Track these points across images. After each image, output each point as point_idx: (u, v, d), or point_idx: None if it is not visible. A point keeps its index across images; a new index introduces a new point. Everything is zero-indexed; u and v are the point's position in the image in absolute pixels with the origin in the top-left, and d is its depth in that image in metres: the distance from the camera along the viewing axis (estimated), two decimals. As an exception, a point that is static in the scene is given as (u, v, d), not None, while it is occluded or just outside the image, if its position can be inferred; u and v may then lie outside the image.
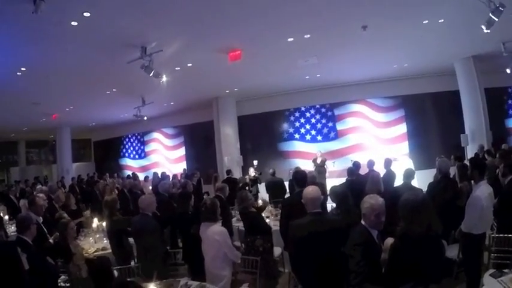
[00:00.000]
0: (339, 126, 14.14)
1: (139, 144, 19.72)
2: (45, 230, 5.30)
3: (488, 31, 6.56)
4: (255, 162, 12.18)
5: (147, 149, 19.36)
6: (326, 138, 14.23)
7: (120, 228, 5.16)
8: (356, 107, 14.00)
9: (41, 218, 5.56)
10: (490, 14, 6.12)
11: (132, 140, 20.03)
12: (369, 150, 13.28)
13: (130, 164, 19.94)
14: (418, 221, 2.68)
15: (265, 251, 5.00)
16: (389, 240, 2.89)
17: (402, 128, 13.53)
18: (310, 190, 3.67)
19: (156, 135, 18.97)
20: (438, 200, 5.08)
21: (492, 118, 11.39)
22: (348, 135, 14.01)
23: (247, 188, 9.46)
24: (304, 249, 3.53)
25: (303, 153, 14.30)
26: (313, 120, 14.43)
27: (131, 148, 20.08)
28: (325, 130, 14.26)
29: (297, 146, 14.54)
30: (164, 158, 18.65)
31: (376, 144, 13.60)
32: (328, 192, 5.03)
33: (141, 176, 14.53)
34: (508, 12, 6.12)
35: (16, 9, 5.42)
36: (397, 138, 13.53)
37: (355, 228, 3.09)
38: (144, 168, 18.97)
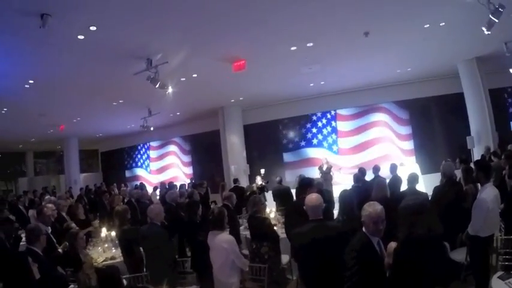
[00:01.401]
0: (346, 135, 14.18)
1: (145, 155, 19.83)
2: (54, 239, 5.36)
3: (489, 32, 6.58)
4: (262, 171, 12.15)
5: (157, 160, 19.44)
6: (332, 143, 14.26)
7: (131, 238, 5.18)
8: (365, 115, 14.05)
9: (49, 227, 5.63)
10: (490, 16, 6.13)
11: (138, 151, 20.15)
12: (379, 160, 13.25)
13: (140, 174, 20.05)
14: (419, 223, 2.72)
15: (271, 258, 5.00)
16: (393, 245, 2.92)
17: (410, 136, 13.58)
18: (312, 198, 3.68)
19: (167, 146, 19.08)
20: (443, 204, 5.08)
21: (497, 119, 11.37)
22: (358, 145, 14.05)
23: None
24: (306, 256, 3.56)
25: (310, 160, 14.31)
26: (318, 128, 14.46)
27: (137, 158, 20.20)
28: (330, 138, 14.29)
29: (303, 153, 14.56)
30: (175, 169, 18.73)
31: (387, 152, 13.58)
32: (337, 198, 5.04)
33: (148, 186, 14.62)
34: (508, 13, 6.15)
35: (24, 24, 5.56)
36: (407, 149, 13.55)
37: (357, 234, 3.13)
38: (155, 179, 19.11)
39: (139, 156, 20.10)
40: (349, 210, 4.42)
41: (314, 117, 14.55)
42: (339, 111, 14.26)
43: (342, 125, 14.23)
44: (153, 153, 19.49)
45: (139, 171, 20.03)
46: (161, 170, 19.13)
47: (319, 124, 14.48)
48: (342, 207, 4.56)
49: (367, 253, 2.96)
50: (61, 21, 5.56)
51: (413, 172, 6.09)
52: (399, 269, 2.77)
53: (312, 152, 14.44)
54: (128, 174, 20.38)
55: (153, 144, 19.36)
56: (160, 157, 19.16)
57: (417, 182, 5.79)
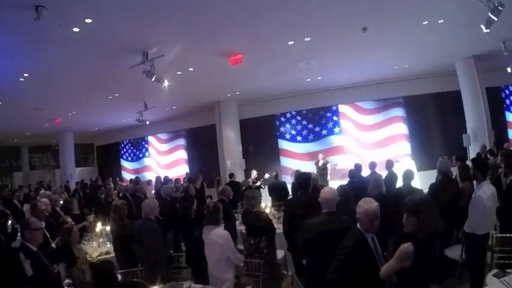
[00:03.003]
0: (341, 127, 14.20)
1: (139, 148, 19.82)
2: (48, 234, 5.31)
3: (488, 31, 6.57)
4: (254, 173, 11.72)
5: (153, 153, 19.39)
6: (327, 138, 14.26)
7: (130, 233, 5.13)
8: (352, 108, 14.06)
9: (43, 222, 5.58)
10: (489, 14, 6.12)
11: (133, 144, 20.12)
12: (370, 151, 13.32)
13: (127, 166, 20.12)
14: (432, 221, 2.71)
15: (269, 253, 5.00)
16: (406, 246, 2.77)
17: (404, 130, 13.57)
18: (327, 190, 3.82)
19: (156, 139, 19.09)
20: (439, 201, 5.07)
21: (494, 117, 11.39)
22: (350, 136, 14.06)
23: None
24: (316, 248, 3.56)
25: (305, 155, 14.33)
26: (315, 122, 14.47)
27: (133, 151, 20.17)
28: (325, 131, 14.30)
29: (299, 148, 14.56)
30: (165, 161, 18.72)
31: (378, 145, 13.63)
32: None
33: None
34: (507, 11, 6.12)
35: (19, 16, 5.47)
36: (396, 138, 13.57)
37: (350, 231, 3.12)
38: (137, 171, 19.21)
39: (135, 150, 20.05)
40: (346, 206, 4.41)
41: (309, 115, 14.57)
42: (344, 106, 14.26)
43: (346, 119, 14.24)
44: (152, 147, 19.40)
45: (134, 165, 20.01)
46: (165, 165, 19.11)
47: (316, 118, 14.49)
48: (338, 202, 4.55)
49: (361, 250, 2.96)
50: (56, 14, 5.47)
51: (409, 169, 6.09)
52: (419, 268, 2.71)
53: (307, 146, 14.47)
54: (123, 167, 20.36)
55: (153, 137, 19.21)
56: (167, 152, 18.95)
57: (412, 178, 5.77)
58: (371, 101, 13.91)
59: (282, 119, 14.90)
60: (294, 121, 14.72)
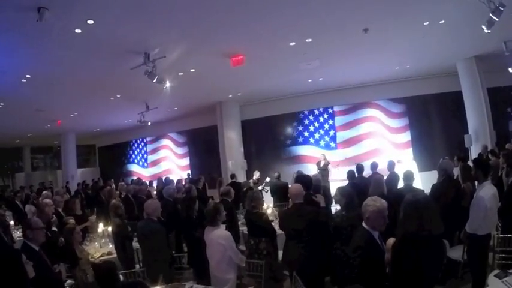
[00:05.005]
0: (341, 129, 14.18)
1: (143, 150, 19.78)
2: (50, 235, 5.32)
3: (489, 31, 6.56)
4: (257, 175, 11.71)
5: (150, 154, 19.42)
6: (329, 141, 14.24)
7: (122, 233, 5.16)
8: (359, 110, 14.05)
9: (54, 217, 5.66)
10: (490, 14, 6.12)
11: (136, 145, 20.11)
12: (372, 153, 13.29)
13: (135, 170, 20.02)
14: (409, 221, 2.71)
15: (269, 254, 5.00)
16: (391, 241, 2.91)
17: (407, 135, 13.56)
18: (295, 186, 4.64)
19: (160, 140, 19.08)
20: (441, 201, 5.07)
21: (496, 118, 11.39)
22: (351, 138, 14.05)
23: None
24: (289, 230, 4.41)
25: (307, 156, 14.31)
26: (316, 124, 14.45)
27: (135, 153, 20.16)
28: (327, 136, 14.29)
29: (301, 149, 14.54)
30: (168, 162, 18.74)
31: (380, 146, 13.60)
32: (333, 195, 5.07)
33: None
34: (508, 12, 6.12)
35: (20, 18, 5.49)
36: (403, 144, 13.53)
37: (357, 230, 3.11)
38: (149, 173, 19.13)
39: (138, 151, 20.05)
40: (350, 206, 4.41)
41: (311, 117, 14.54)
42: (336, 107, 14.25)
43: (339, 120, 14.25)
44: (150, 148, 19.42)
45: (137, 166, 20.01)
46: (149, 160, 19.23)
47: (321, 119, 14.43)
48: (343, 202, 4.55)
49: (372, 248, 2.97)
50: (58, 15, 5.50)
51: (409, 170, 6.06)
52: (397, 265, 2.76)
53: (309, 149, 14.43)
54: (126, 169, 20.34)
55: (168, 140, 19.03)
56: (149, 148, 19.04)
57: (413, 179, 5.76)
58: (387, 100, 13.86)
59: (282, 121, 14.90)
60: (295, 123, 14.70)
